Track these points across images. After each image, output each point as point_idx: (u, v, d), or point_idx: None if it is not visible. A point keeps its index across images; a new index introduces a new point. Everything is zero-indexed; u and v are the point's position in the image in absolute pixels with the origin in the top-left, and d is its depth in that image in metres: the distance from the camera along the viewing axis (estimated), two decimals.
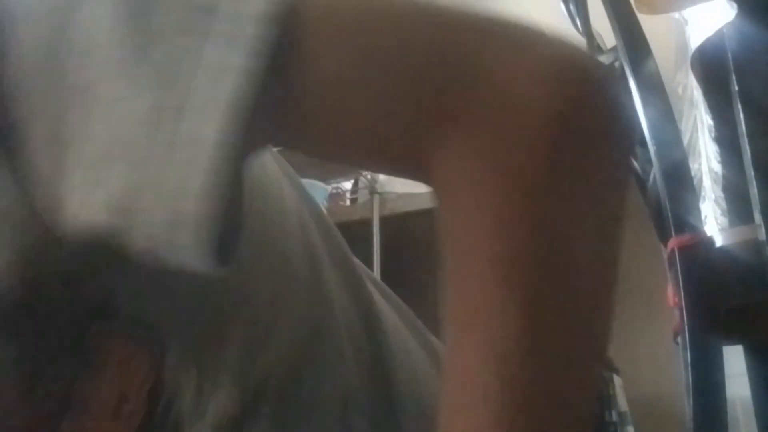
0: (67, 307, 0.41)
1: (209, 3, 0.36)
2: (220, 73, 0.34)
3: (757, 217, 0.94)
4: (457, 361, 0.35)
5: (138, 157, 0.35)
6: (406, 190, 2.30)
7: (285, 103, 0.37)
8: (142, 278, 0.42)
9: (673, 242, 1.04)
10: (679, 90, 1.25)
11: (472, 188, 0.35)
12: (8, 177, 0.36)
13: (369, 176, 2.40)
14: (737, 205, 1.04)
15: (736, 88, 0.99)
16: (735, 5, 1.02)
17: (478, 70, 0.36)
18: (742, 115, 0.98)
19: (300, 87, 0.37)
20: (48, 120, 0.36)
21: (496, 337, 0.33)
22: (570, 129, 0.35)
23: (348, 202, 2.56)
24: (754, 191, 0.95)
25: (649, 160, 1.14)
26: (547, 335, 0.34)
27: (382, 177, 2.37)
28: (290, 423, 0.47)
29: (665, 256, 1.10)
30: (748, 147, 0.96)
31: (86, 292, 0.41)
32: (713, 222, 1.08)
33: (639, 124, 1.16)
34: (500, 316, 0.33)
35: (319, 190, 2.32)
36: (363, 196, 2.49)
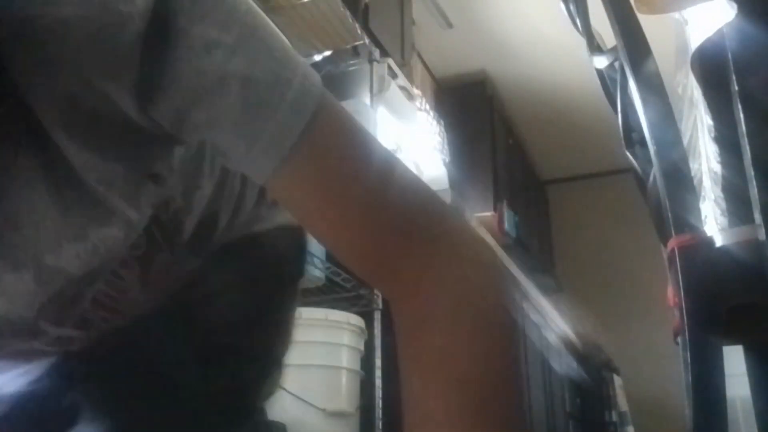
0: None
1: (287, 54, 0.59)
2: (301, 100, 0.57)
3: (757, 217, 0.94)
4: None
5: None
6: None
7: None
8: (172, 144, 0.67)
9: (673, 242, 1.04)
10: (679, 90, 1.25)
11: (424, 300, 0.58)
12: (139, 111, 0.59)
13: None
14: (737, 205, 1.04)
15: (736, 88, 0.99)
16: (735, 5, 1.02)
17: (441, 229, 0.60)
18: (742, 115, 0.97)
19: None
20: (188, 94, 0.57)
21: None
22: (490, 280, 0.61)
23: None
24: (754, 191, 0.95)
25: (649, 160, 1.14)
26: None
27: None
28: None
29: (665, 256, 1.10)
30: (748, 147, 0.96)
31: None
32: (713, 222, 1.08)
33: (639, 124, 1.16)
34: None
35: None
36: None
